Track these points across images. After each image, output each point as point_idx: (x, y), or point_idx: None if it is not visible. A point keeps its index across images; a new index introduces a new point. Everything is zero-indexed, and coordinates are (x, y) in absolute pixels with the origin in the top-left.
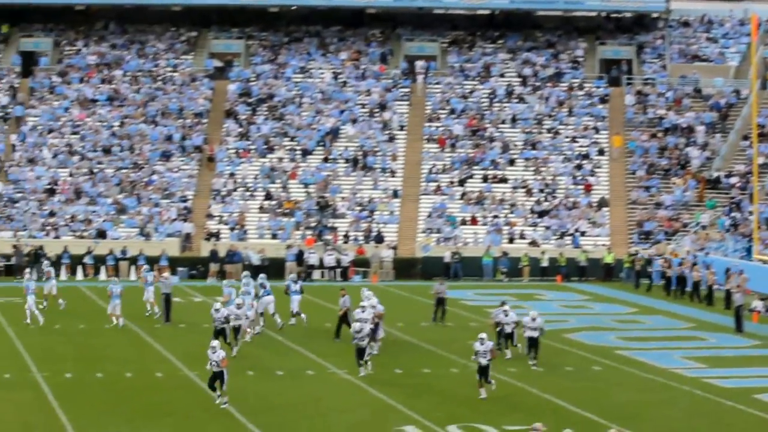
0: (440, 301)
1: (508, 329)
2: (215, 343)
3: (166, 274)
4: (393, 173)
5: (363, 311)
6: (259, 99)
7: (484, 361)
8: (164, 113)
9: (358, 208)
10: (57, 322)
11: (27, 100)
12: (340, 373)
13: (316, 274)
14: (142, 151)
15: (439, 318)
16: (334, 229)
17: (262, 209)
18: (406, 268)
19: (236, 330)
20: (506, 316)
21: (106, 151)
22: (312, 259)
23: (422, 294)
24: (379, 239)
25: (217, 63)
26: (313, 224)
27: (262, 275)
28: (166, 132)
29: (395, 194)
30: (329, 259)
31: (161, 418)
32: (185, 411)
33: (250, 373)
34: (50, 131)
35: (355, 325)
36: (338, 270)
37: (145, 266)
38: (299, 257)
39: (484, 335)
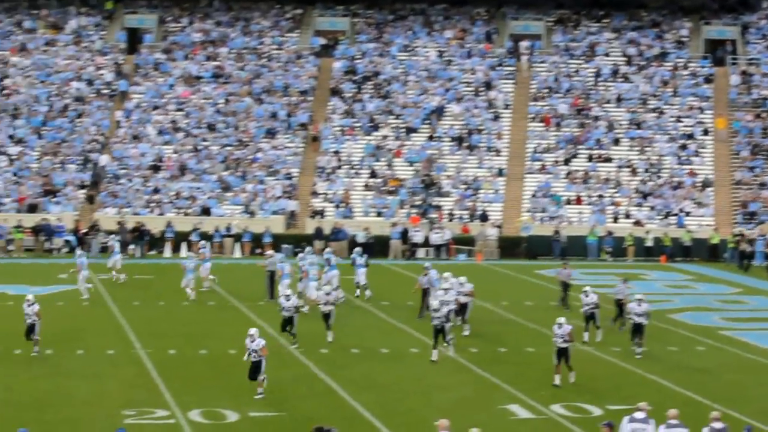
0: (565, 286)
1: (588, 310)
2: (253, 331)
3: (270, 251)
4: (498, 152)
5: (446, 293)
6: (364, 77)
7: (562, 344)
8: (269, 91)
9: (463, 186)
10: (161, 298)
11: (132, 77)
12: (443, 351)
13: (421, 252)
14: (247, 129)
15: (560, 301)
16: (438, 207)
17: (367, 187)
18: (510, 247)
19: (326, 316)
20: (587, 296)
21: (211, 128)
22: (416, 237)
23: (527, 273)
24: (484, 218)
25: (323, 41)
26: (417, 202)
27: (327, 250)
28: (271, 109)
29: (500, 173)
30: (435, 237)
31: (266, 395)
32: (288, 388)
33: (355, 351)
34: (155, 108)
35: (434, 303)
36: (443, 248)
37: (202, 242)
38: (404, 235)
39: (562, 320)
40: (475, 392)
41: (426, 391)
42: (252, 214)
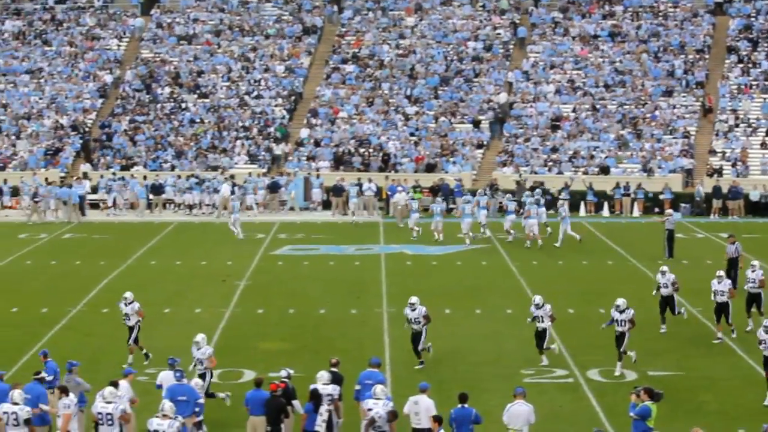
0: None
1: (720, 299)
2: (199, 337)
3: (669, 210)
4: None
5: (753, 271)
6: (760, 35)
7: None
8: (666, 49)
9: None
10: (560, 258)
11: (529, 36)
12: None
13: None
14: (644, 87)
15: None
16: None
17: (763, 145)
18: None
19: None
20: (719, 283)
21: (608, 86)
22: None
23: None
24: None
25: None
26: None
27: (537, 191)
28: (668, 68)
29: None
30: None
31: (664, 355)
32: (687, 347)
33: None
34: (552, 67)
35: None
36: None
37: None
38: None
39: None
40: None
41: None
42: (649, 172)
